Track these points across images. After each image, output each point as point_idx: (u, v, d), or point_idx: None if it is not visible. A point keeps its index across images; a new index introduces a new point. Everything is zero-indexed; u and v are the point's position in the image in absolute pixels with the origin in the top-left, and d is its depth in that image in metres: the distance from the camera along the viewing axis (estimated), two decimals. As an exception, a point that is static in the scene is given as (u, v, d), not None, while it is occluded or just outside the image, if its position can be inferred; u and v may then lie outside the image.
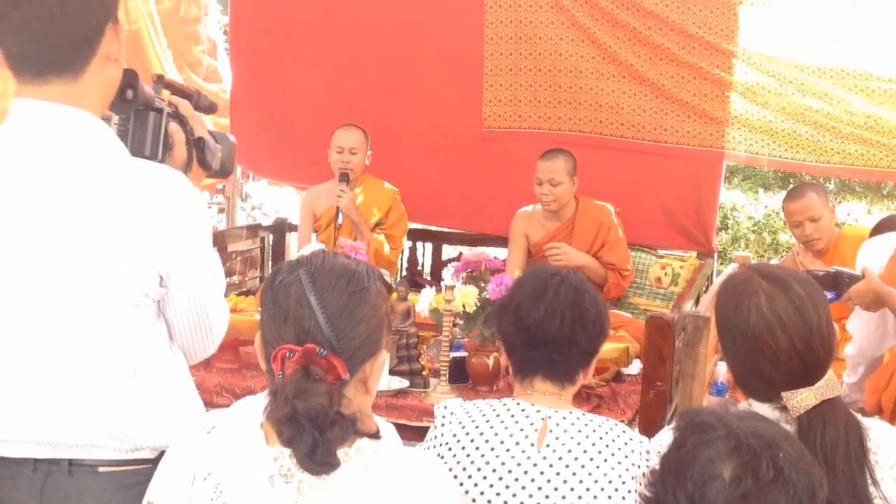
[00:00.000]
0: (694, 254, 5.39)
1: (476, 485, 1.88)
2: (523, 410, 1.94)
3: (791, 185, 7.09)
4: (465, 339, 3.64)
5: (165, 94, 2.02)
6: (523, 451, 1.89)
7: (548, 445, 1.90)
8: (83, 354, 1.65)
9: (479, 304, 3.37)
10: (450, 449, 1.91)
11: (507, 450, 1.89)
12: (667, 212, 5.30)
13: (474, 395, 3.37)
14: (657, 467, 1.45)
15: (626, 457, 1.90)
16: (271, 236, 5.67)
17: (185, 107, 2.00)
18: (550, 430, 1.91)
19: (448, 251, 6.16)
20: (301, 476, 1.39)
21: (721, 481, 1.33)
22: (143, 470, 1.68)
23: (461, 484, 1.88)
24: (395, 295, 3.44)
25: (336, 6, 5.62)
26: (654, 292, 5.21)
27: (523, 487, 1.86)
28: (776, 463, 1.32)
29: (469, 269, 3.55)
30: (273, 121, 5.88)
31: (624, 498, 1.86)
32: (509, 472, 1.88)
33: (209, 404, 2.10)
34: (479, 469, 1.88)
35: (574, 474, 1.87)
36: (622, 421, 3.10)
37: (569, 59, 5.26)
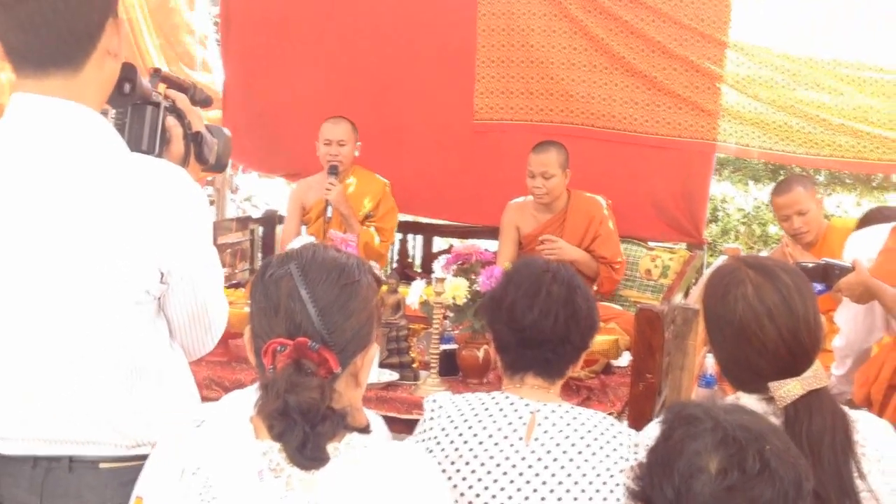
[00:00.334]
0: (684, 246, 5.41)
1: (465, 478, 1.88)
2: (512, 404, 1.94)
3: (781, 177, 7.10)
4: (456, 332, 3.64)
5: (162, 87, 2.01)
6: (512, 445, 1.89)
7: (536, 439, 1.90)
8: (84, 353, 1.64)
9: (469, 296, 3.36)
10: (438, 442, 1.91)
11: (496, 443, 1.89)
12: (657, 203, 5.31)
13: (464, 388, 3.37)
14: (644, 460, 1.45)
15: (615, 450, 1.90)
16: (261, 228, 5.65)
17: (182, 101, 1.99)
18: (539, 424, 1.91)
19: (439, 243, 6.15)
20: (290, 471, 1.39)
21: (707, 474, 1.33)
22: (143, 466, 1.68)
23: (450, 478, 1.88)
24: (385, 287, 3.44)
25: (328, -2, 5.61)
26: (645, 284, 5.22)
27: (512, 481, 1.86)
28: (763, 455, 1.32)
29: (459, 262, 3.54)
30: (264, 113, 5.87)
31: (612, 491, 1.87)
32: (498, 465, 1.88)
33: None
34: (467, 462, 1.88)
35: (562, 467, 1.87)
36: (611, 413, 3.12)
37: (561, 51, 5.27)
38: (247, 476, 1.39)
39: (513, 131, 5.43)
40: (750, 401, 1.82)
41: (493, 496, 1.86)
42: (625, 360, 3.75)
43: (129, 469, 1.66)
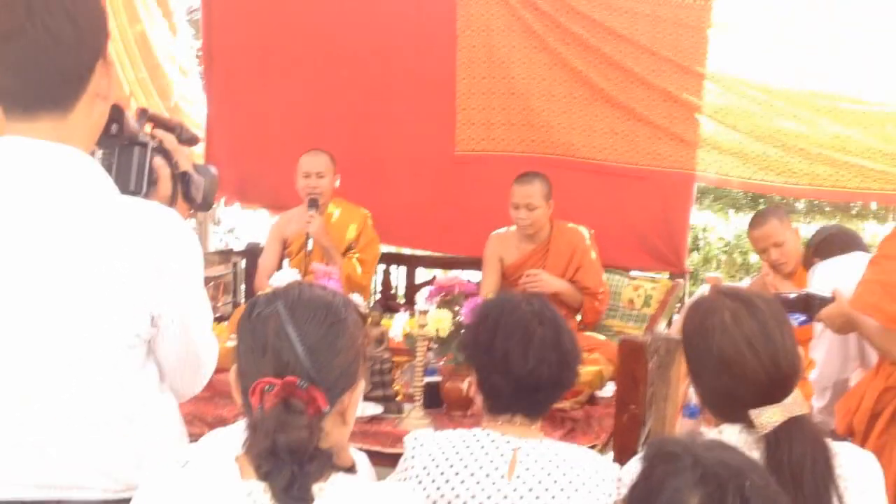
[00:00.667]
0: (666, 275, 5.42)
1: None
2: (493, 441, 1.94)
3: (761, 206, 7.15)
4: (439, 364, 3.64)
5: (148, 127, 2.01)
6: (493, 483, 1.88)
7: (518, 476, 1.89)
8: (74, 398, 1.62)
9: (452, 328, 3.36)
10: (420, 481, 1.91)
11: (478, 481, 1.88)
12: (638, 233, 5.33)
13: (448, 421, 3.36)
14: (626, 498, 1.45)
15: (597, 485, 1.90)
16: (244, 261, 5.64)
17: (169, 141, 1.98)
18: (520, 461, 1.91)
19: (422, 274, 6.15)
20: (275, 511, 1.38)
21: None
22: None
23: None
24: (368, 320, 3.43)
25: (308, 31, 5.63)
26: (627, 314, 5.23)
27: None
28: (743, 492, 1.32)
29: (442, 293, 3.55)
30: (247, 145, 5.88)
31: (596, 526, 1.86)
32: (480, 503, 1.87)
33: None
34: (450, 502, 1.88)
35: None
36: (595, 444, 3.12)
37: (541, 82, 5.31)
38: None
39: (494, 162, 5.45)
40: (732, 432, 1.83)
41: None
42: (609, 390, 3.75)
43: None
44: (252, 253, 5.62)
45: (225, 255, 5.59)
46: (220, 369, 3.57)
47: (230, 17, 5.87)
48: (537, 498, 1.87)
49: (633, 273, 5.40)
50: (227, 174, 5.72)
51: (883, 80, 4.61)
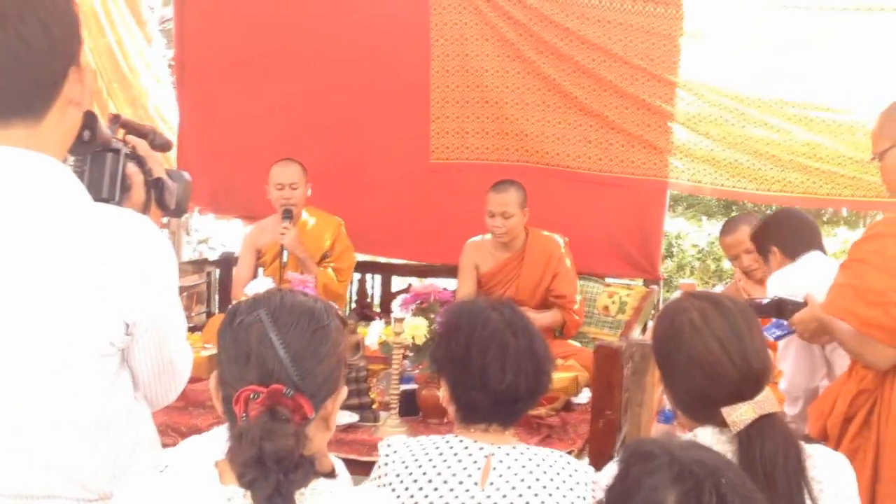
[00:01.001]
0: (640, 282, 5.45)
1: None
2: (466, 448, 1.93)
3: (734, 213, 7.20)
4: (415, 372, 3.63)
5: (121, 133, 1.99)
6: (467, 491, 1.87)
7: (492, 483, 1.88)
8: (47, 407, 1.60)
9: (428, 335, 3.36)
10: (394, 489, 1.89)
11: (451, 489, 1.87)
12: (612, 240, 5.36)
13: (425, 428, 3.36)
14: (603, 500, 1.46)
15: (571, 489, 1.90)
16: (218, 271, 5.61)
17: (142, 147, 1.97)
18: (494, 468, 1.90)
19: (398, 282, 6.15)
20: (255, 516, 1.37)
21: None
22: None
23: None
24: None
25: (282, 41, 5.63)
26: (602, 321, 5.25)
27: None
28: (719, 490, 1.33)
29: (418, 301, 3.54)
30: (220, 155, 5.86)
31: (571, 530, 1.86)
32: None
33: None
34: None
35: None
36: (572, 450, 3.13)
37: (514, 91, 5.34)
38: None
39: (469, 170, 5.48)
40: (706, 434, 1.84)
41: None
42: (584, 396, 3.77)
43: None
44: (226, 262, 5.60)
45: (199, 264, 5.55)
46: (193, 379, 3.55)
47: (203, 26, 5.86)
48: None
49: (608, 280, 5.43)
50: (200, 184, 5.69)
51: (852, 89, 4.66)
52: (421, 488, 1.88)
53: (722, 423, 1.81)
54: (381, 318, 4.14)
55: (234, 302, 4.08)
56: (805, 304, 2.95)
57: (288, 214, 4.77)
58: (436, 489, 1.88)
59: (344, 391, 1.56)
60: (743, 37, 4.84)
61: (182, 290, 4.99)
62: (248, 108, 5.74)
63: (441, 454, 1.93)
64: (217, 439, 1.48)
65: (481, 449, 1.93)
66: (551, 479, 1.90)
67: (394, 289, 5.93)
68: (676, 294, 4.49)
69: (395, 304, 3.57)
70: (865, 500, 2.56)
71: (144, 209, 1.91)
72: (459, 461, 1.91)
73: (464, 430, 1.99)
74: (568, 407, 3.71)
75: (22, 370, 1.57)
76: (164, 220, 6.01)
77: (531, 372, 1.96)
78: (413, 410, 3.50)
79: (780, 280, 3.30)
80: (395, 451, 1.96)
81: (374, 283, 5.95)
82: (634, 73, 5.05)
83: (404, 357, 3.47)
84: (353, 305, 5.78)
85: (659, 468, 1.38)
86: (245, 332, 1.45)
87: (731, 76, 4.89)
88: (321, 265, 4.90)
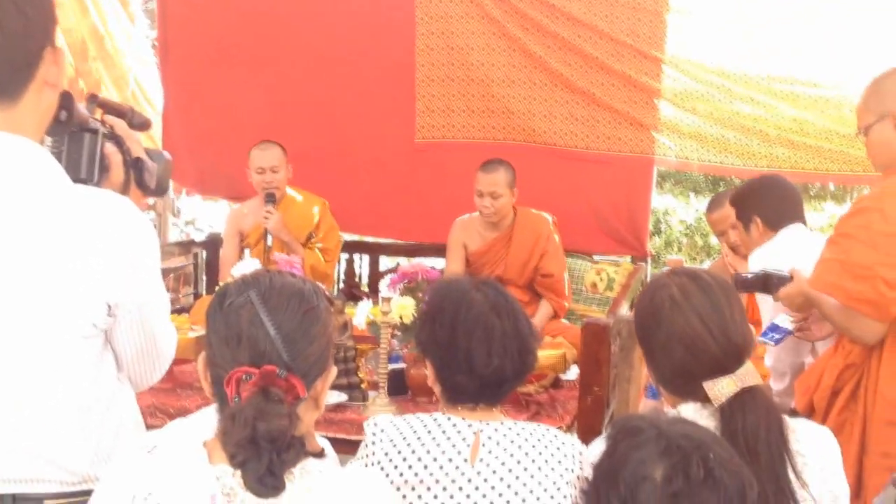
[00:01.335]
0: (628, 259, 5.46)
1: (411, 503, 1.86)
2: (454, 425, 1.93)
3: (721, 189, 7.21)
4: (404, 351, 3.64)
5: (99, 113, 1.97)
6: (457, 467, 1.87)
7: (481, 459, 1.88)
8: (30, 390, 1.60)
9: (416, 315, 3.36)
10: (382, 468, 1.89)
11: (441, 466, 1.87)
12: (600, 217, 5.36)
13: (414, 407, 3.37)
14: (591, 476, 1.46)
15: (560, 462, 1.90)
16: (205, 252, 5.59)
17: (120, 126, 1.94)
18: (483, 444, 1.90)
19: (386, 262, 6.15)
20: (244, 495, 1.37)
21: (652, 482, 1.34)
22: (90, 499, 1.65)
23: None
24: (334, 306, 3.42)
25: (265, 20, 5.59)
26: (591, 298, 5.26)
27: (459, 503, 1.86)
28: (706, 463, 1.34)
29: (406, 281, 3.54)
30: (205, 135, 5.83)
31: (560, 504, 1.87)
32: (444, 488, 1.86)
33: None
34: (413, 488, 1.86)
35: (509, 486, 1.86)
36: (560, 427, 3.14)
37: (501, 68, 5.31)
38: (199, 501, 1.37)
39: (455, 149, 5.46)
40: (688, 410, 1.84)
41: None
42: (573, 373, 3.78)
43: None
44: (213, 244, 5.58)
45: (185, 246, 5.54)
46: (181, 360, 3.58)
47: (185, 7, 5.81)
48: (501, 480, 1.87)
49: (596, 257, 5.43)
50: (186, 165, 5.70)
51: (838, 65, 4.65)
52: (410, 466, 1.88)
53: (704, 399, 1.82)
54: (369, 298, 4.13)
55: (221, 284, 4.08)
56: (791, 278, 2.95)
57: (271, 198, 4.75)
58: (425, 467, 1.88)
59: (333, 371, 1.56)
60: (729, 12, 4.83)
61: (169, 271, 4.98)
62: (232, 88, 5.71)
63: (429, 432, 1.92)
64: (203, 420, 1.47)
65: (470, 426, 1.93)
66: (540, 454, 1.90)
67: (382, 268, 5.92)
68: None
69: (383, 284, 3.57)
70: (852, 474, 2.58)
71: (124, 189, 1.89)
72: (448, 438, 1.91)
73: (451, 409, 1.99)
74: (556, 384, 3.72)
75: (4, 352, 1.57)
76: (151, 201, 6.02)
77: (517, 353, 1.96)
78: (402, 389, 3.50)
79: (761, 257, 3.30)
80: (382, 430, 1.95)
81: (361, 264, 5.95)
82: (620, 50, 5.03)
83: (392, 336, 3.47)
84: (341, 286, 5.77)
85: (646, 442, 1.38)
86: (235, 313, 1.45)
87: (717, 52, 4.88)
88: (307, 246, 4.89)
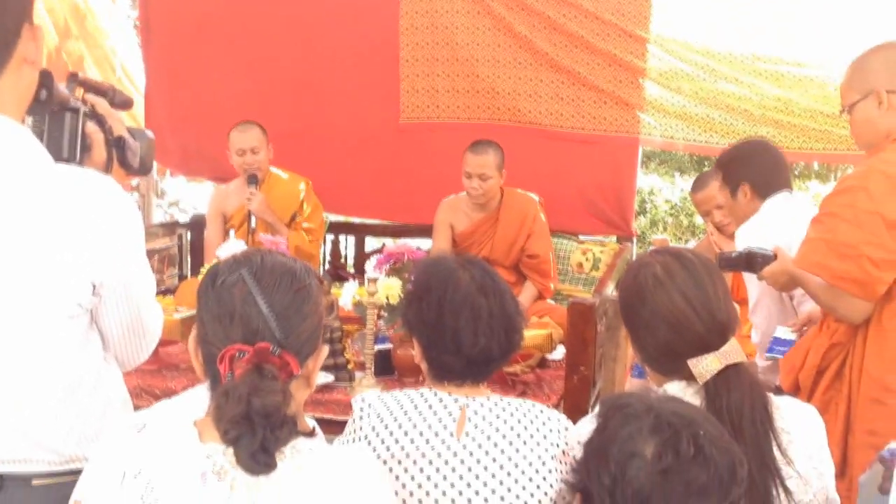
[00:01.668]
0: (614, 238, 5.47)
1: (398, 477, 1.87)
2: (441, 400, 1.94)
3: (706, 168, 7.22)
4: (390, 332, 3.63)
5: (80, 92, 1.95)
6: (443, 441, 1.89)
7: (467, 433, 1.90)
8: (15, 370, 1.59)
9: (402, 295, 3.35)
10: (369, 442, 1.90)
11: (427, 441, 1.88)
12: (586, 197, 5.36)
13: (400, 387, 3.35)
14: (580, 455, 1.47)
15: (545, 437, 1.92)
16: (189, 233, 5.57)
17: (101, 105, 1.93)
18: (469, 419, 1.92)
19: (372, 243, 6.14)
20: (234, 474, 1.38)
21: (642, 458, 1.34)
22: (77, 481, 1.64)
23: None
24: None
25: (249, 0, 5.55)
26: (576, 278, 5.27)
27: (445, 477, 1.86)
28: (697, 440, 1.34)
29: (392, 261, 3.54)
30: (188, 116, 5.80)
31: (545, 478, 1.88)
32: (430, 462, 1.88)
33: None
34: (399, 462, 1.88)
35: (494, 460, 1.88)
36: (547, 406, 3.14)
37: (485, 48, 5.30)
38: (189, 479, 1.37)
39: (440, 130, 5.45)
40: (674, 388, 1.85)
41: (427, 493, 1.86)
42: (559, 353, 3.78)
43: (64, 485, 1.62)
44: (197, 225, 5.56)
45: (170, 227, 5.52)
46: (166, 342, 3.57)
47: (168, -15, 5.77)
48: (487, 453, 1.88)
49: (582, 237, 5.44)
50: (169, 145, 5.67)
51: (823, 44, 4.66)
52: (397, 440, 1.89)
53: (689, 377, 1.82)
54: (354, 279, 4.12)
55: (206, 265, 4.06)
56: (775, 256, 2.96)
57: (253, 180, 4.73)
58: (412, 441, 1.89)
59: (325, 350, 1.57)
60: (714, -9, 4.83)
61: (153, 252, 4.95)
62: (214, 68, 5.68)
63: (416, 407, 1.93)
64: (191, 401, 1.47)
65: (456, 401, 1.94)
66: (525, 428, 1.92)
67: (368, 249, 5.91)
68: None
69: (369, 265, 3.56)
70: (838, 452, 2.59)
71: (107, 169, 1.88)
72: (435, 413, 1.92)
73: (438, 385, 2.00)
74: (543, 364, 3.73)
75: None
76: (134, 182, 5.98)
77: (503, 333, 1.97)
78: (388, 370, 3.51)
79: (749, 232, 3.30)
80: (369, 406, 1.96)
81: (347, 244, 5.94)
82: (605, 29, 5.02)
83: (379, 317, 3.47)
84: (327, 266, 5.76)
85: (636, 419, 1.38)
86: (228, 291, 1.45)
87: (703, 31, 4.88)
88: (290, 227, 4.88)
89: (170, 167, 6.43)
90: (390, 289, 3.36)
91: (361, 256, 5.82)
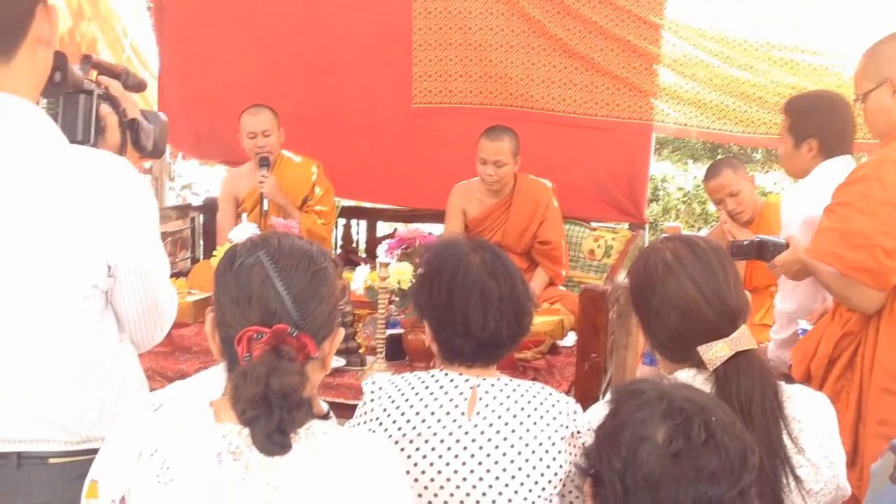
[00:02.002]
0: (626, 225, 5.45)
1: (409, 456, 1.88)
2: (452, 381, 1.95)
3: (720, 156, 7.19)
4: (401, 317, 3.64)
5: (94, 74, 1.96)
6: (454, 421, 1.90)
7: (478, 413, 1.91)
8: (32, 351, 1.61)
9: (413, 280, 3.36)
10: (381, 423, 1.92)
11: (439, 420, 1.90)
12: (598, 184, 5.35)
13: (411, 372, 3.37)
14: (590, 441, 1.47)
15: (554, 418, 1.93)
16: (202, 216, 5.58)
17: (115, 87, 1.94)
18: (480, 398, 1.93)
19: (383, 228, 6.14)
20: (249, 454, 1.39)
21: (653, 442, 1.35)
22: (94, 460, 1.66)
23: None
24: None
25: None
26: (588, 265, 5.26)
27: (456, 456, 1.88)
28: (708, 426, 1.35)
29: (403, 246, 3.54)
30: (201, 99, 5.81)
31: (555, 458, 1.90)
32: (441, 441, 1.89)
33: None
34: (411, 441, 1.89)
35: (505, 439, 1.89)
36: (558, 393, 3.15)
37: (499, 33, 5.28)
38: (205, 458, 1.38)
39: (452, 115, 5.44)
40: (684, 375, 1.85)
41: (439, 472, 1.87)
42: (570, 340, 3.78)
43: (80, 463, 1.63)
44: (210, 208, 5.56)
45: (182, 210, 5.53)
46: (179, 324, 3.58)
47: (181, -33, 5.77)
48: (497, 432, 1.89)
49: (594, 224, 5.43)
50: (182, 129, 5.68)
51: (840, 32, 4.62)
52: (409, 420, 1.90)
53: (700, 364, 1.83)
54: (366, 264, 4.13)
55: (218, 248, 4.08)
56: (787, 245, 2.94)
57: (265, 162, 4.74)
58: (423, 420, 1.90)
59: (341, 333, 1.58)
60: (729, -22, 4.80)
61: (166, 235, 4.97)
62: (227, 51, 5.68)
63: (427, 387, 1.95)
64: (206, 381, 1.48)
65: (467, 381, 1.95)
66: (535, 409, 1.93)
67: (379, 234, 5.92)
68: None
69: (381, 250, 3.57)
70: (849, 442, 2.59)
71: (120, 151, 1.89)
72: (446, 393, 1.93)
73: (448, 366, 2.01)
74: (554, 350, 3.73)
75: (5, 314, 1.57)
76: (148, 164, 6.00)
77: (513, 316, 1.98)
78: (399, 354, 3.51)
79: (797, 197, 3.19)
80: (380, 388, 1.97)
81: (359, 229, 5.94)
82: (620, 15, 4.99)
83: (390, 302, 3.48)
84: (339, 251, 5.77)
85: (648, 404, 1.39)
86: (246, 273, 1.46)
87: (718, 18, 4.85)
88: (302, 210, 4.88)
89: (182, 150, 6.44)
90: (402, 273, 3.36)
91: (373, 241, 5.82)
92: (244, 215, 4.65)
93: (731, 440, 1.35)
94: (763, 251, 3.01)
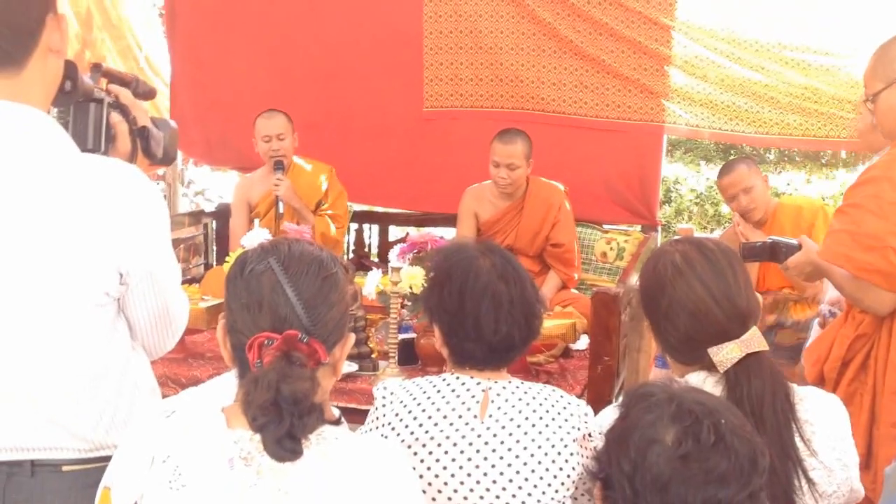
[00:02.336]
0: (638, 227, 5.45)
1: (423, 461, 1.88)
2: (463, 384, 1.95)
3: (732, 157, 7.18)
4: (414, 321, 3.64)
5: (104, 83, 1.97)
6: (467, 424, 1.90)
7: (490, 415, 1.91)
8: (44, 359, 1.61)
9: (426, 284, 3.36)
10: (393, 428, 1.92)
11: (451, 423, 1.90)
12: (610, 186, 5.34)
13: (423, 377, 3.38)
14: (601, 444, 1.47)
15: (566, 420, 1.93)
16: (215, 222, 5.60)
17: (125, 95, 1.95)
18: (492, 401, 1.93)
19: (395, 232, 6.15)
20: (261, 460, 1.39)
21: (662, 444, 1.35)
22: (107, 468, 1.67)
23: None
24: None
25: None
26: (600, 267, 5.26)
27: (469, 458, 1.88)
28: (718, 429, 1.35)
29: (415, 250, 3.55)
30: (213, 105, 5.82)
31: (567, 461, 1.90)
32: (454, 444, 1.89)
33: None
34: (424, 445, 1.89)
35: (517, 441, 1.89)
36: (570, 396, 3.15)
37: (509, 36, 5.28)
38: (217, 464, 1.39)
39: (463, 118, 5.44)
40: (694, 378, 1.84)
41: (452, 475, 1.88)
42: (583, 343, 3.78)
43: (94, 471, 1.64)
44: (223, 214, 5.58)
45: (195, 216, 5.54)
46: (192, 330, 3.60)
47: (192, -26, 5.79)
48: (510, 435, 1.89)
49: (606, 226, 5.42)
50: (194, 135, 5.70)
51: (850, 34, 4.61)
52: (421, 424, 1.90)
53: (711, 367, 1.82)
54: (378, 268, 4.14)
55: (231, 254, 4.09)
56: (799, 246, 2.93)
57: (280, 166, 4.75)
58: (436, 424, 1.90)
59: (351, 338, 1.58)
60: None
61: (179, 242, 4.99)
62: (239, 57, 5.70)
63: (439, 391, 1.95)
64: (218, 387, 1.49)
65: (478, 384, 1.95)
66: (547, 411, 1.93)
67: (391, 238, 5.92)
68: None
69: (393, 254, 3.57)
70: (863, 444, 2.58)
71: (131, 158, 1.90)
72: (458, 396, 1.93)
73: (459, 370, 2.01)
74: (566, 353, 3.73)
75: (18, 323, 1.58)
76: (160, 171, 6.02)
77: (524, 320, 1.97)
78: (412, 359, 3.52)
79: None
80: (392, 393, 1.98)
81: (371, 233, 5.95)
82: (630, 16, 4.99)
83: (402, 306, 3.48)
84: (351, 255, 5.78)
85: (658, 406, 1.39)
86: (256, 280, 1.47)
87: (728, 19, 4.84)
88: (317, 214, 4.89)
89: (194, 157, 6.46)
90: (414, 278, 3.37)
91: (385, 245, 5.82)
92: (256, 221, 4.67)
93: (741, 442, 1.35)
94: (776, 252, 3.00)
